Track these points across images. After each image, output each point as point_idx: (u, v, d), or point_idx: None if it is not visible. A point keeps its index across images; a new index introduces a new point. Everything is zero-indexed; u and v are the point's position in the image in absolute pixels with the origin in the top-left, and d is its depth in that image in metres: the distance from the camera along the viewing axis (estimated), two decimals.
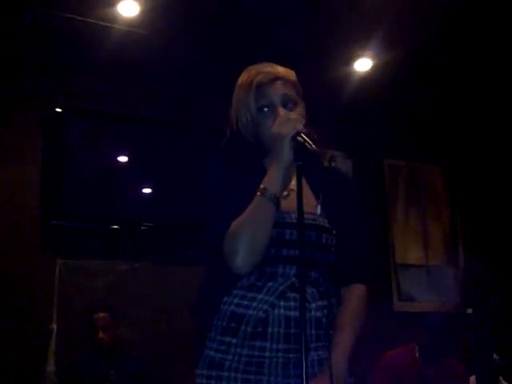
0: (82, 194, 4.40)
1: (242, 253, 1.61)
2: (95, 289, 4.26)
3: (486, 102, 5.25)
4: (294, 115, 1.70)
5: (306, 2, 4.05)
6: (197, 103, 4.85)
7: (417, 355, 3.80)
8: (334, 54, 4.58)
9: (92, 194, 4.45)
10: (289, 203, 1.68)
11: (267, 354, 1.65)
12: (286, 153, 1.62)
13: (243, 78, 1.80)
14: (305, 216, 1.58)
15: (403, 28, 4.25)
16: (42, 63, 4.42)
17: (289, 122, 1.65)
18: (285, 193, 1.72)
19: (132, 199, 4.63)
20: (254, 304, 1.66)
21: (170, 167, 4.70)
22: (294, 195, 1.57)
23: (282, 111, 1.72)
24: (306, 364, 1.43)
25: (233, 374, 1.65)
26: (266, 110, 1.75)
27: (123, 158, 4.72)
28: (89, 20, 4.03)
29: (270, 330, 1.65)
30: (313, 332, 1.67)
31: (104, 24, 4.10)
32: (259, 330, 1.65)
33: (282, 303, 1.66)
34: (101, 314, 3.91)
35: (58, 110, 4.41)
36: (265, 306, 1.66)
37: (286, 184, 1.71)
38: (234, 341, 1.66)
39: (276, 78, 1.76)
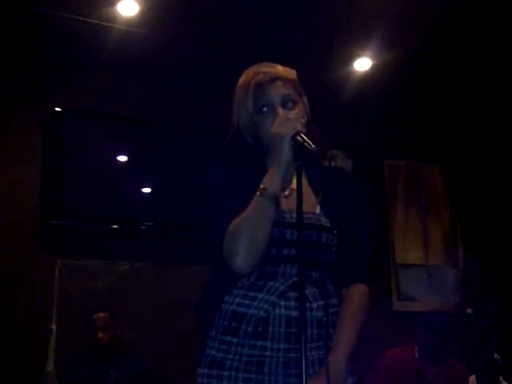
0: (82, 194, 4.40)
1: (242, 253, 1.61)
2: (95, 289, 4.26)
3: (486, 102, 5.25)
4: (293, 115, 1.70)
5: (306, 2, 4.05)
6: (197, 103, 4.85)
7: (416, 355, 3.80)
8: (334, 53, 4.58)
9: (92, 194, 4.45)
10: (290, 203, 1.68)
11: (268, 353, 1.65)
12: (286, 153, 1.62)
13: (243, 78, 1.80)
14: (305, 215, 1.58)
15: (403, 28, 4.25)
16: (42, 63, 4.42)
17: (288, 122, 1.65)
18: (286, 192, 1.72)
19: (132, 199, 4.63)
20: (255, 303, 1.66)
21: (170, 167, 4.70)
22: (295, 195, 1.57)
23: (281, 111, 1.72)
24: (305, 363, 1.43)
25: (234, 374, 1.65)
26: (265, 109, 1.75)
27: (123, 158, 4.72)
28: (88, 20, 4.03)
29: (270, 329, 1.65)
30: (314, 331, 1.67)
31: (104, 23, 4.10)
32: (260, 329, 1.65)
33: (282, 303, 1.66)
34: (100, 314, 3.91)
35: (58, 109, 4.41)
36: (266, 306, 1.66)
37: (286, 184, 1.71)
38: (235, 340, 1.66)
39: (275, 78, 1.76)
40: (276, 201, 1.64)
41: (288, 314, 1.65)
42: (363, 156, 5.31)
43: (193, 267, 4.38)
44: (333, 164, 1.96)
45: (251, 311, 1.66)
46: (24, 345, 4.03)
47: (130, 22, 4.11)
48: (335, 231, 1.74)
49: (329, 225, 1.74)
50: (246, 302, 1.67)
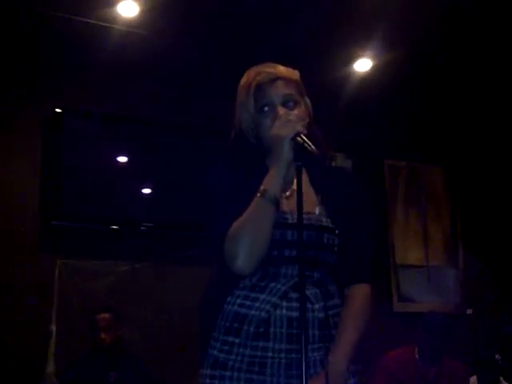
0: (82, 195, 4.40)
1: (242, 255, 1.61)
2: (95, 289, 4.26)
3: (486, 103, 5.24)
4: (294, 115, 1.70)
5: (306, 2, 4.04)
6: (197, 103, 4.85)
7: (417, 356, 3.80)
8: (334, 54, 4.58)
9: (92, 195, 4.44)
10: (291, 204, 1.67)
11: (270, 354, 1.64)
12: (286, 154, 1.62)
13: (244, 79, 1.80)
14: (306, 216, 1.57)
15: (403, 28, 4.25)
16: (42, 63, 4.42)
17: (288, 123, 1.65)
18: (287, 193, 1.72)
19: (132, 199, 4.63)
20: (257, 304, 1.66)
21: (170, 167, 4.70)
22: (296, 195, 1.56)
23: (281, 110, 1.72)
24: (307, 364, 1.43)
25: (236, 374, 1.65)
26: (266, 109, 1.75)
27: (123, 159, 4.72)
28: (89, 20, 4.03)
29: (272, 330, 1.65)
30: (316, 332, 1.67)
31: (104, 24, 4.10)
32: (261, 330, 1.65)
33: (284, 304, 1.66)
34: (103, 315, 3.91)
35: (58, 110, 4.41)
36: (267, 307, 1.66)
37: (288, 185, 1.71)
38: (237, 341, 1.66)
39: (276, 78, 1.75)
40: (276, 202, 1.64)
41: (289, 314, 1.65)
42: (363, 156, 5.30)
43: (193, 268, 4.39)
44: (333, 164, 1.95)
45: (252, 312, 1.66)
46: (24, 345, 4.02)
47: (130, 23, 4.11)
48: (337, 231, 1.74)
49: (330, 225, 1.74)
50: (248, 302, 1.67)
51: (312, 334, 1.66)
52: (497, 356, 3.68)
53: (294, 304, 1.65)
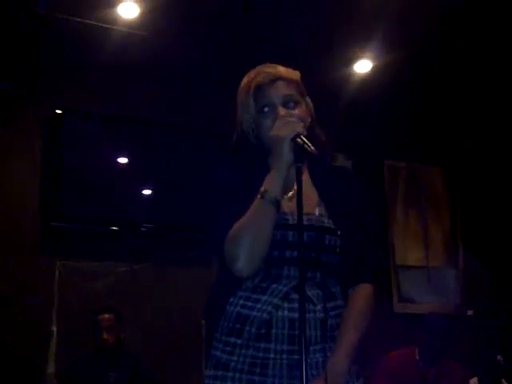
0: (82, 196, 4.39)
1: (243, 257, 1.61)
2: (95, 291, 4.25)
3: (486, 103, 5.24)
4: (294, 116, 1.70)
5: (306, 2, 4.04)
6: (197, 103, 4.84)
7: (417, 357, 3.79)
8: (335, 54, 4.58)
9: (92, 196, 4.44)
10: (292, 205, 1.67)
11: (271, 355, 1.64)
12: (286, 155, 1.62)
13: (245, 80, 1.80)
14: (307, 217, 1.57)
15: (403, 29, 4.25)
16: (43, 64, 4.42)
17: (288, 125, 1.65)
18: (289, 194, 1.72)
19: (132, 200, 4.63)
20: (258, 305, 1.66)
21: (170, 168, 4.69)
22: None
23: (282, 110, 1.72)
24: (308, 366, 1.43)
25: (238, 375, 1.66)
26: (266, 110, 1.75)
27: (123, 159, 4.71)
28: (89, 21, 4.03)
29: (273, 331, 1.64)
30: (318, 333, 1.67)
31: (104, 25, 4.10)
32: (263, 331, 1.65)
33: (285, 305, 1.66)
34: (106, 315, 3.91)
35: (58, 111, 4.41)
36: (269, 308, 1.66)
37: (289, 186, 1.70)
38: (239, 342, 1.66)
39: (276, 79, 1.75)
40: (277, 203, 1.63)
41: (291, 316, 1.64)
42: (363, 157, 5.30)
43: (192, 269, 4.39)
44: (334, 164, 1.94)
45: (254, 313, 1.66)
46: (24, 346, 4.02)
47: (130, 24, 4.12)
48: (339, 232, 1.74)
49: (332, 226, 1.73)
50: (250, 304, 1.67)
51: (314, 335, 1.66)
52: (499, 357, 3.67)
53: (296, 305, 1.64)
